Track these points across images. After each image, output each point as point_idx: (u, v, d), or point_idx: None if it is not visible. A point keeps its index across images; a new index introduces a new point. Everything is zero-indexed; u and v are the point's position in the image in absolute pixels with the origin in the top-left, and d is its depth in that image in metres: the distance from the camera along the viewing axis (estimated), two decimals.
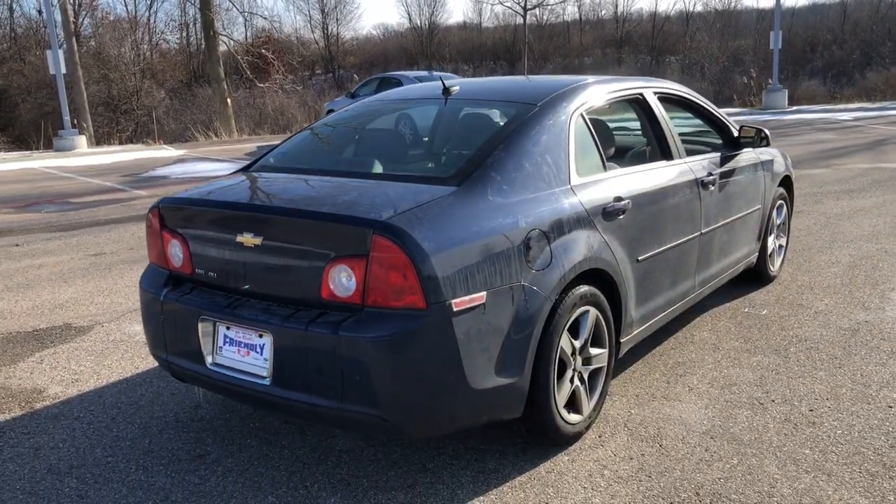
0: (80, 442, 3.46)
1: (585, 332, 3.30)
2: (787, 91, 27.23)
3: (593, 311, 3.32)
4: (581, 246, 3.19)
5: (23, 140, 24.88)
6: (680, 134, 4.60)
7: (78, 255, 7.29)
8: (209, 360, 3.08)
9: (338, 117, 4.17)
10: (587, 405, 3.36)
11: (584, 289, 3.22)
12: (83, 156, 17.50)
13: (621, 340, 3.60)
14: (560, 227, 3.12)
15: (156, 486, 3.06)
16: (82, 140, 18.65)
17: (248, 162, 4.29)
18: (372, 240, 2.65)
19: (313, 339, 2.74)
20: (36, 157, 17.67)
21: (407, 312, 2.66)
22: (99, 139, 25.81)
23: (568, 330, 3.20)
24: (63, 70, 18.27)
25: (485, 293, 2.79)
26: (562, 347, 3.14)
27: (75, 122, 20.57)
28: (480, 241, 2.81)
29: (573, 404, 3.32)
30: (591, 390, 3.42)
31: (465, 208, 2.86)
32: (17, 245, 7.90)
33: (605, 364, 3.47)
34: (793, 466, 3.08)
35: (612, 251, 3.39)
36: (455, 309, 2.69)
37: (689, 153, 4.38)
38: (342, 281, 2.72)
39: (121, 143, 25.43)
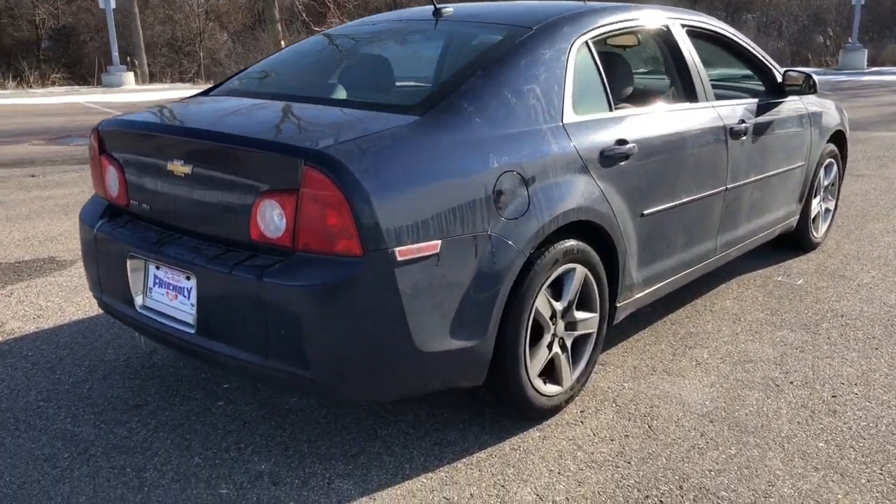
0: (18, 383, 3.19)
1: (570, 293, 2.87)
2: (866, 51, 25.70)
3: (581, 270, 2.88)
4: (568, 194, 2.74)
5: (84, 79, 25.01)
6: (717, 79, 4.07)
7: (88, 188, 7.07)
8: (138, 301, 2.75)
9: (317, 39, 3.75)
10: (568, 376, 2.94)
11: (569, 243, 2.78)
12: (129, 92, 17.48)
13: (617, 305, 3.16)
14: (543, 171, 2.67)
15: (79, 437, 2.77)
16: (129, 77, 18.62)
17: None
18: (303, 172, 2.26)
19: (237, 284, 2.38)
20: (83, 91, 17.73)
21: (341, 259, 2.27)
22: (161, 79, 25.79)
23: (547, 290, 2.78)
24: (113, 5, 18.14)
25: (439, 242, 2.38)
26: (537, 309, 2.72)
27: (127, 59, 20.52)
28: (438, 181, 2.39)
29: (551, 374, 2.91)
30: (575, 359, 3.01)
31: (423, 142, 2.44)
32: (33, 176, 7.74)
33: (595, 330, 3.04)
34: (800, 462, 2.63)
35: (610, 202, 2.93)
36: (399, 258, 2.29)
37: (721, 98, 3.85)
38: (273, 220, 2.35)
39: (172, 82, 25.42)
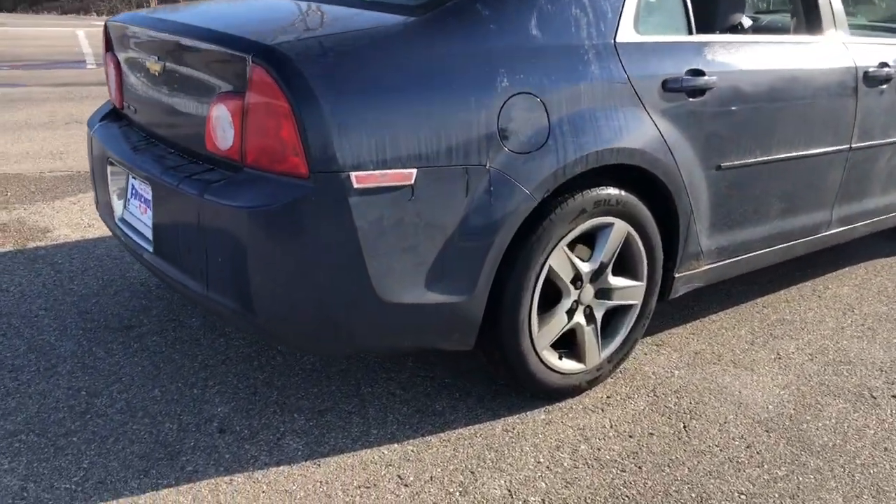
0: (32, 289, 3.08)
1: (603, 253, 2.34)
2: None
3: (621, 227, 2.35)
4: (608, 129, 2.21)
5: None
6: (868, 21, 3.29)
7: None
8: (118, 213, 2.52)
9: None
10: (595, 352, 2.43)
11: (605, 192, 2.25)
12: None
13: (676, 276, 2.59)
14: (573, 97, 2.15)
15: (55, 352, 2.60)
16: None
17: None
18: (251, 71, 1.88)
19: (182, 200, 2.06)
20: None
21: (286, 181, 1.90)
22: None
23: (569, 246, 2.27)
24: None
25: (414, 172, 1.94)
26: (552, 268, 2.23)
27: None
28: (424, 95, 1.94)
29: (572, 348, 2.42)
30: (606, 334, 2.49)
31: (412, 47, 1.99)
32: None
33: (639, 303, 2.50)
34: (870, 502, 2.01)
35: (670, 146, 2.36)
36: (356, 185, 1.88)
37: (859, 34, 3.09)
38: (224, 128, 2.00)
39: None
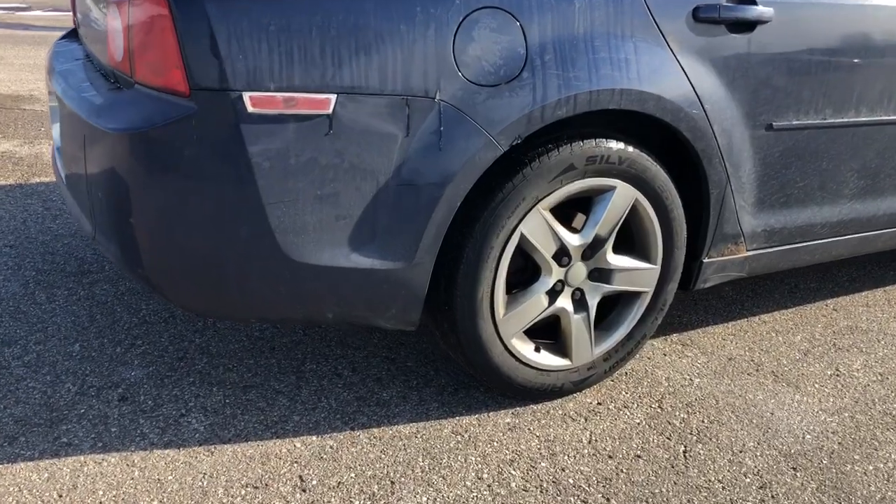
0: (9, 225, 2.87)
1: (599, 223, 1.86)
2: None
3: (626, 192, 1.85)
4: (609, 62, 1.71)
5: None
6: None
7: None
8: (56, 141, 2.22)
9: None
10: (586, 348, 1.96)
11: (605, 146, 1.77)
12: None
13: (704, 261, 2.06)
14: (564, 17, 1.67)
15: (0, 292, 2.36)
16: None
17: None
18: None
19: (75, 123, 1.73)
20: None
21: (166, 99, 1.52)
22: None
23: (557, 213, 1.81)
24: None
25: (333, 98, 1.52)
26: (524, 236, 1.77)
27: None
28: (352, 2, 1.52)
29: (555, 340, 1.96)
30: (604, 326, 2.01)
31: None
32: None
33: (650, 291, 2.00)
34: None
35: (699, 94, 1.84)
36: (251, 109, 1.49)
37: None
38: (116, 37, 1.64)
39: None
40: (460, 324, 1.78)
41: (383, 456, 1.74)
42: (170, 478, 1.64)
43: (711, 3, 1.82)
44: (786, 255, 2.22)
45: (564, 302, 1.90)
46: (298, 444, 1.76)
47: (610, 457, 1.77)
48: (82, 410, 1.83)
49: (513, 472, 1.70)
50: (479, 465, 1.72)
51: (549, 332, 1.97)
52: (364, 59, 1.52)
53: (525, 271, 1.88)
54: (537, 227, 1.78)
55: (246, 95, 1.48)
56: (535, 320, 1.88)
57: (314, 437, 1.79)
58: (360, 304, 1.71)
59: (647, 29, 1.75)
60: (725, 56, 1.86)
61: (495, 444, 1.80)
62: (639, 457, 1.78)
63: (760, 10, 1.86)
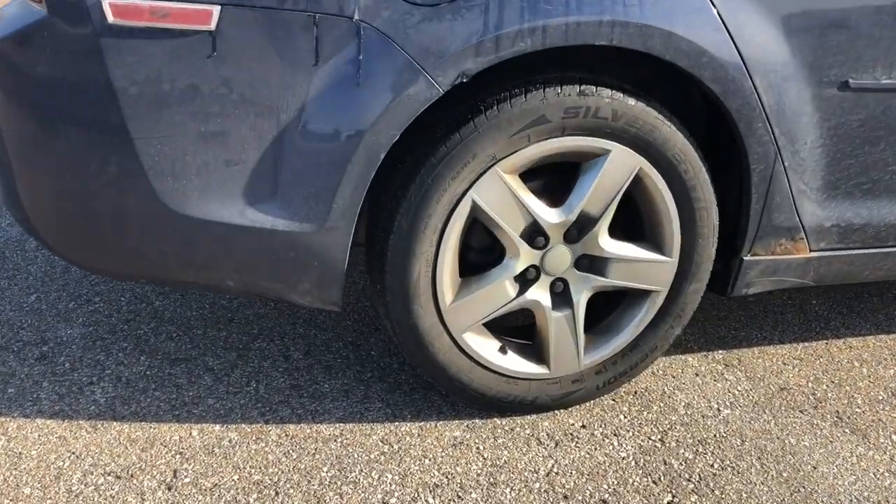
0: None
1: (586, 197, 1.44)
2: None
3: (624, 159, 1.43)
4: None
5: None
6: None
7: None
8: None
9: None
10: (570, 355, 1.55)
11: (592, 96, 1.36)
12: None
13: (745, 258, 1.58)
14: None
15: None
16: None
17: None
18: None
19: None
20: None
21: (26, 4, 1.29)
22: None
23: (518, 177, 1.42)
24: None
25: (216, 9, 1.23)
26: (477, 205, 1.39)
27: None
28: None
29: (532, 340, 1.57)
30: (598, 331, 1.60)
31: None
32: None
33: (662, 290, 1.55)
34: None
35: (733, 32, 1.38)
36: (111, 20, 1.22)
37: None
38: None
39: None
40: (391, 308, 1.44)
41: (284, 459, 1.43)
42: (33, 453, 1.42)
43: None
44: (872, 262, 1.68)
45: (539, 294, 1.50)
46: (195, 433, 1.49)
47: (565, 497, 1.37)
48: None
49: (430, 501, 1.34)
50: (393, 486, 1.37)
51: (530, 332, 1.58)
52: None
53: (494, 251, 1.50)
54: (496, 196, 1.39)
55: (105, 2, 1.20)
56: (498, 313, 1.49)
57: (216, 427, 1.51)
58: (263, 273, 1.40)
59: None
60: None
61: (426, 461, 1.44)
62: (604, 502, 1.36)
63: None
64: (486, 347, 1.51)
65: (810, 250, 1.62)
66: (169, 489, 1.35)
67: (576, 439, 1.52)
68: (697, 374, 1.75)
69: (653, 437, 1.53)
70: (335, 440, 1.48)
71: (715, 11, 1.35)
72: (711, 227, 1.52)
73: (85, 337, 1.78)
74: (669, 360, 1.79)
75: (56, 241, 1.41)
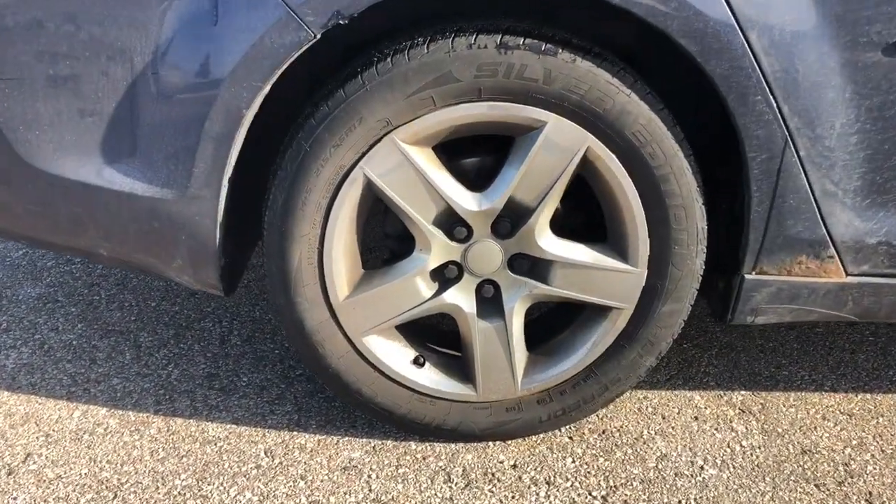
0: None
1: (515, 183, 1.14)
2: None
3: (567, 135, 1.11)
4: None
5: None
6: None
7: None
8: None
9: None
10: (504, 375, 1.25)
11: (520, 50, 1.06)
12: None
13: (746, 276, 1.20)
14: None
15: None
16: None
17: None
18: None
19: None
20: None
21: None
22: None
23: (430, 148, 1.14)
24: None
25: None
26: (370, 181, 1.13)
27: None
28: None
29: (462, 352, 1.29)
30: (547, 350, 1.27)
31: None
32: None
33: (626, 307, 1.21)
34: None
35: None
36: None
37: None
38: None
39: None
40: (272, 298, 1.21)
41: (148, 457, 1.25)
42: None
43: None
44: None
45: (460, 297, 1.21)
46: (76, 414, 1.35)
47: None
48: None
49: None
50: None
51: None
52: None
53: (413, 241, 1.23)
54: (396, 171, 1.12)
55: None
56: (409, 315, 1.22)
57: (102, 411, 1.36)
58: (132, 244, 1.22)
59: None
60: None
61: (300, 484, 1.21)
62: None
63: None
64: (394, 356, 1.25)
65: (847, 274, 1.20)
66: (9, 474, 1.21)
67: (494, 481, 1.22)
68: (697, 418, 1.38)
69: (595, 493, 1.20)
70: (215, 443, 1.28)
71: None
72: (694, 232, 1.16)
73: (40, 298, 1.70)
74: (669, 396, 1.43)
75: None
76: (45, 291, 1.72)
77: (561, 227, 1.21)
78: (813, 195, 1.14)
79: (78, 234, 1.24)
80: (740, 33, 1.03)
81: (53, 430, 1.31)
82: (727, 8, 1.02)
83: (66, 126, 1.14)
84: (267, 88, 1.07)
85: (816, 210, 1.15)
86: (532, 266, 1.20)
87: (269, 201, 1.15)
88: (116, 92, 1.12)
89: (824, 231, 1.16)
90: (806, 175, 1.12)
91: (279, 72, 1.06)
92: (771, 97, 1.07)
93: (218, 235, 1.16)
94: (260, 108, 1.08)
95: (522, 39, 1.06)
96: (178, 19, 1.07)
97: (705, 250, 1.19)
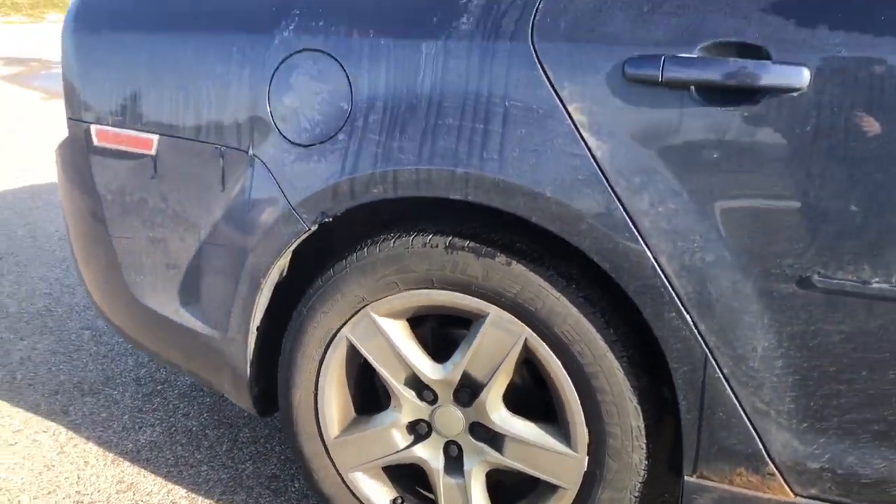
0: None
1: (467, 360, 1.31)
2: None
3: (507, 326, 1.27)
4: (453, 132, 1.20)
5: None
6: None
7: None
8: None
9: None
10: None
11: (463, 250, 1.26)
12: None
13: (686, 479, 1.24)
14: (405, 68, 1.25)
15: None
16: None
17: None
18: None
19: None
20: None
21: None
22: None
23: (397, 323, 1.36)
24: None
25: (155, 138, 1.47)
26: (351, 346, 1.37)
27: None
28: (178, 33, 1.44)
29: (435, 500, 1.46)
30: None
31: None
32: None
33: (569, 489, 1.30)
34: None
35: (622, 198, 1.13)
36: (96, 142, 1.55)
37: None
38: None
39: None
40: (283, 424, 1.48)
41: (13, 478, 1.57)
42: None
43: (650, 57, 1.09)
44: None
45: (428, 452, 1.39)
46: (155, 490, 1.71)
47: None
48: None
49: None
50: None
51: None
52: (182, 101, 1.41)
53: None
54: (372, 339, 1.35)
55: (93, 128, 1.52)
56: (389, 460, 1.42)
57: (178, 491, 1.70)
58: (200, 366, 1.57)
59: (533, 87, 1.15)
60: (696, 141, 1.09)
61: None
62: None
63: (775, 72, 1.03)
64: (377, 493, 1.45)
65: (795, 494, 1.18)
66: None
67: None
68: None
69: None
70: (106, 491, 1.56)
71: (597, 167, 1.12)
72: (627, 428, 1.23)
73: (191, 386, 2.13)
74: None
75: (98, 303, 1.76)
76: (195, 382, 2.15)
77: (520, 402, 1.33)
78: (743, 411, 1.15)
79: (169, 353, 1.62)
80: (650, 257, 1.12)
81: (143, 500, 1.68)
82: (637, 233, 1.12)
83: (158, 274, 1.53)
84: (280, 262, 1.37)
85: (749, 426, 1.16)
86: (492, 435, 1.34)
87: (282, 349, 1.43)
88: (189, 254, 1.48)
89: (760, 447, 1.17)
90: (733, 391, 1.15)
91: (288, 251, 1.35)
92: (686, 315, 1.13)
93: (248, 371, 1.46)
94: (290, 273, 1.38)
95: (467, 242, 1.24)
96: (228, 205, 1.40)
97: (644, 447, 1.24)
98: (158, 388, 2.11)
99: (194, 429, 1.93)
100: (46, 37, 11.42)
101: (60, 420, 1.98)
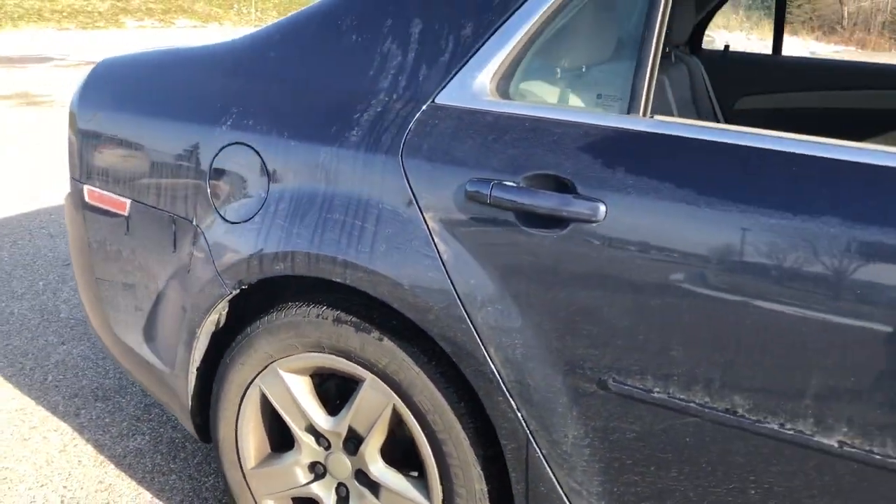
0: None
1: (351, 416, 1.53)
2: None
3: (379, 392, 1.48)
4: (338, 226, 1.42)
5: None
6: None
7: None
8: None
9: None
10: None
11: (344, 323, 1.48)
12: None
13: None
14: (307, 166, 1.48)
15: None
16: None
17: None
18: None
19: None
20: None
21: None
22: None
23: (301, 379, 1.59)
24: None
25: (128, 202, 1.76)
26: (264, 395, 1.61)
27: None
28: (153, 114, 1.72)
29: None
30: None
31: (165, 69, 1.76)
32: None
33: None
34: None
35: (462, 294, 1.31)
36: (87, 199, 1.85)
37: None
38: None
39: None
40: (214, 453, 1.73)
41: (18, 468, 1.84)
42: None
43: (485, 180, 1.28)
44: None
45: (323, 491, 1.61)
46: (127, 491, 1.99)
47: None
48: None
49: None
50: None
51: None
52: (148, 173, 1.69)
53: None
54: (278, 390, 1.58)
55: (86, 188, 1.82)
56: (292, 493, 1.65)
57: (146, 496, 1.98)
58: (159, 393, 1.84)
59: (400, 195, 1.36)
60: (517, 255, 1.27)
61: None
62: None
63: (581, 204, 1.20)
64: None
65: None
66: None
67: None
68: None
69: None
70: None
71: (443, 267, 1.32)
72: (472, 490, 1.41)
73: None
74: None
75: (93, 327, 2.06)
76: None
77: (405, 455, 1.53)
78: (561, 488, 1.32)
79: (138, 377, 1.90)
80: (482, 347, 1.31)
81: (114, 501, 1.97)
82: (471, 326, 1.31)
83: (129, 313, 1.81)
84: (212, 317, 1.62)
85: (567, 502, 1.33)
86: (368, 481, 1.55)
87: (214, 391, 1.68)
88: (150, 300, 1.75)
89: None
90: (551, 470, 1.32)
91: (216, 309, 1.60)
92: (511, 400, 1.31)
93: (189, 404, 1.72)
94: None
95: (351, 317, 1.45)
96: (176, 265, 1.66)
97: None
98: None
99: (177, 440, 2.21)
100: (175, 42, 12.23)
101: (71, 421, 2.30)
